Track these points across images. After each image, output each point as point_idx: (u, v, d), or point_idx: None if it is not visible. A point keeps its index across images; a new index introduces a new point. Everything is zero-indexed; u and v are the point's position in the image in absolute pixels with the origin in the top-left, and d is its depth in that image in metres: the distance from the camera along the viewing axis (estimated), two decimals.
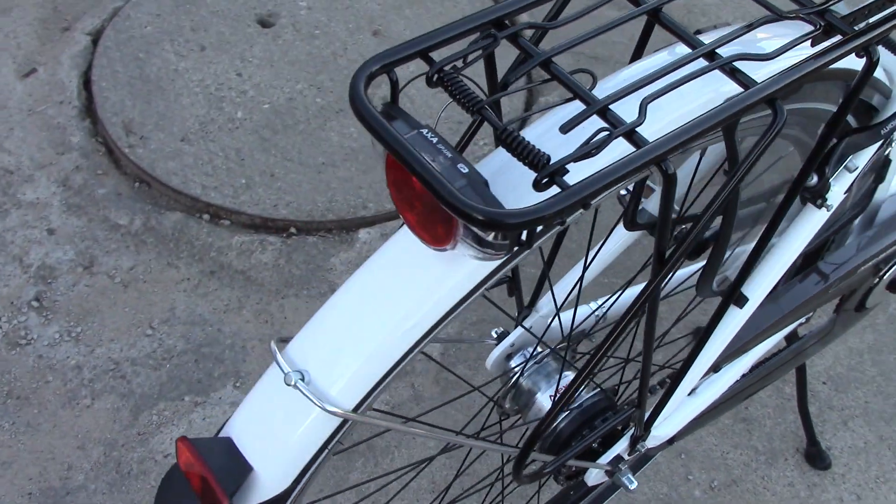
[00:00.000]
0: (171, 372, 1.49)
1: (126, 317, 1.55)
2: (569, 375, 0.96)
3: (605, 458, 0.94)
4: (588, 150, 0.53)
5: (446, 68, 0.57)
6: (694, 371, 0.89)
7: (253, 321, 1.57)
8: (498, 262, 0.65)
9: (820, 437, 1.49)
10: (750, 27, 0.64)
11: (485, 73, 0.65)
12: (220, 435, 0.70)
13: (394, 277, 0.67)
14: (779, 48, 0.62)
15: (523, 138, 0.54)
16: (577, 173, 0.54)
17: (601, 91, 0.58)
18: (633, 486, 0.95)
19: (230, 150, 1.80)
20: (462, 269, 0.66)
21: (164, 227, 1.67)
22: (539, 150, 0.53)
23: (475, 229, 0.56)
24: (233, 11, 2.06)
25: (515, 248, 0.59)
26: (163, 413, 1.43)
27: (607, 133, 0.54)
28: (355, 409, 0.66)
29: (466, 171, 0.55)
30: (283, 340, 0.70)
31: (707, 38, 0.63)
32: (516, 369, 0.98)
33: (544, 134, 0.66)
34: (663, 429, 0.96)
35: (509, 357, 0.99)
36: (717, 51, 0.61)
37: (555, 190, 0.53)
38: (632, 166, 0.54)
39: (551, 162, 0.53)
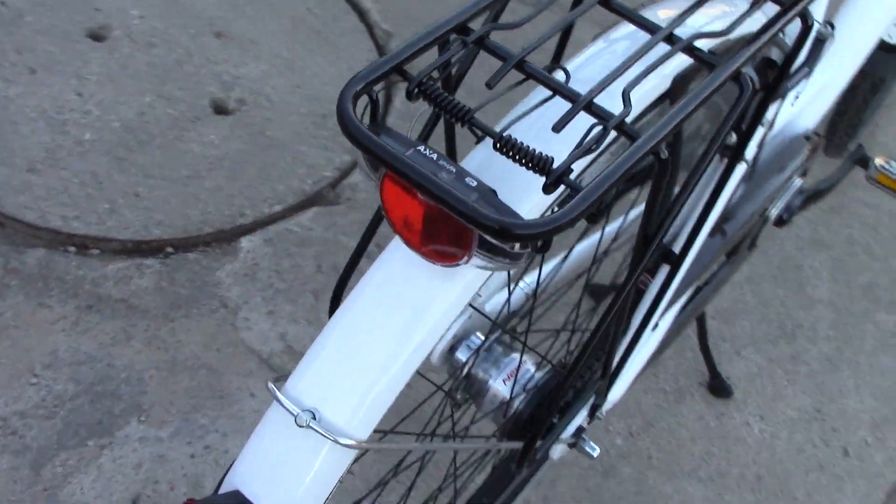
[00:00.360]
0: (66, 418, 1.38)
1: (3, 368, 1.43)
2: (516, 358, 0.96)
3: (568, 431, 0.95)
4: (588, 147, 0.53)
5: (424, 80, 0.56)
6: (642, 332, 0.91)
7: (144, 350, 1.48)
8: (502, 270, 0.65)
9: (718, 368, 1.56)
10: (698, 4, 0.65)
11: (453, 81, 0.64)
12: (224, 488, 0.65)
13: (387, 300, 0.65)
14: (731, 23, 0.63)
15: (522, 143, 0.53)
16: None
17: (577, 84, 0.58)
18: (596, 453, 0.96)
19: (85, 175, 1.68)
20: (459, 280, 0.64)
21: (27, 266, 1.55)
22: (541, 153, 0.52)
23: (495, 241, 0.54)
24: (59, 28, 1.93)
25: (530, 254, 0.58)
26: (67, 463, 1.34)
27: (602, 127, 0.54)
28: (370, 438, 0.64)
29: (475, 184, 0.54)
30: (279, 380, 0.66)
31: (654, 16, 0.64)
32: (469, 359, 0.96)
33: (529, 135, 0.65)
34: (615, 392, 0.98)
35: (452, 350, 0.98)
36: (674, 32, 0.62)
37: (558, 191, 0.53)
38: (635, 157, 0.54)
39: (555, 164, 0.52)
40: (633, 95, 0.58)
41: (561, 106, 0.60)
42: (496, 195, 0.54)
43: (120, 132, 1.77)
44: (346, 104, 0.53)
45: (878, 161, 1.42)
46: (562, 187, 0.54)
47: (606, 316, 0.73)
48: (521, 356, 0.95)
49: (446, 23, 0.59)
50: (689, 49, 0.62)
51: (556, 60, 0.73)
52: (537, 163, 0.53)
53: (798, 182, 1.29)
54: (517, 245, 0.55)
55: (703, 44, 0.64)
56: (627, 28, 0.76)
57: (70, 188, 1.66)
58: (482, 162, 0.68)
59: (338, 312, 0.66)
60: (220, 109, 1.86)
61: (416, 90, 0.55)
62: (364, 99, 0.55)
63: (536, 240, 0.52)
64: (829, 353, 1.65)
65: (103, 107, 1.80)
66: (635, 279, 0.70)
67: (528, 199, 0.65)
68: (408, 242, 0.60)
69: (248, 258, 1.63)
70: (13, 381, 1.42)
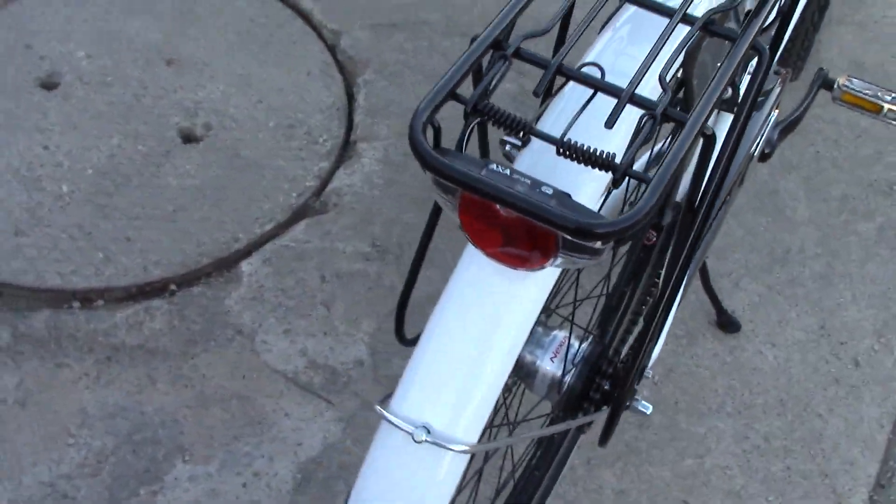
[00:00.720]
0: (112, 472, 1.39)
1: (38, 435, 1.43)
2: (557, 335, 1.00)
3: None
4: (645, 139, 0.57)
5: (477, 100, 0.59)
6: (679, 287, 0.95)
7: (171, 391, 1.49)
8: (565, 267, 0.68)
9: (723, 305, 1.62)
10: None
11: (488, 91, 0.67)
12: None
13: (472, 311, 0.68)
14: None
15: (585, 145, 0.56)
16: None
17: (612, 77, 0.61)
18: (649, 410, 1.01)
19: (72, 229, 1.67)
20: (533, 283, 0.68)
21: (35, 330, 1.55)
22: (603, 151, 0.56)
23: (580, 241, 0.57)
24: (8, 84, 1.89)
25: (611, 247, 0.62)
26: None
27: (652, 118, 0.57)
28: (479, 441, 0.68)
29: (551, 191, 0.57)
30: (383, 402, 0.69)
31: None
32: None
33: (580, 135, 0.68)
34: (657, 348, 1.03)
35: None
36: (688, 12, 0.65)
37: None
38: (689, 139, 0.57)
39: (618, 159, 0.56)
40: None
41: (601, 100, 0.64)
42: (570, 198, 0.58)
43: (95, 179, 1.75)
44: (419, 136, 0.56)
45: (841, 81, 1.47)
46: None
47: (638, 276, 0.77)
48: (570, 331, 0.99)
49: (482, 42, 0.62)
50: (706, 26, 0.66)
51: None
52: (602, 161, 0.56)
53: (775, 115, 1.35)
54: (599, 242, 0.59)
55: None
56: (631, 13, 0.79)
57: (60, 244, 1.65)
58: (530, 167, 0.72)
59: (428, 329, 0.70)
60: (188, 138, 1.86)
61: (473, 110, 0.59)
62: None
63: (619, 236, 0.56)
64: (821, 270, 1.72)
65: (73, 156, 1.78)
66: (690, 250, 0.74)
67: (590, 194, 0.69)
68: (490, 255, 0.63)
69: (252, 282, 1.64)
70: (50, 445, 1.42)
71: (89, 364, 1.52)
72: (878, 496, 1.47)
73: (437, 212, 0.79)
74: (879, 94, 1.36)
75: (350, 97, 1.98)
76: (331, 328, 1.58)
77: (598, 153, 0.56)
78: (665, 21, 0.67)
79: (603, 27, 0.83)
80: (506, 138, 0.81)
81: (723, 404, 1.52)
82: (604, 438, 0.88)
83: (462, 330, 0.69)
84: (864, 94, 1.35)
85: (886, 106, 1.34)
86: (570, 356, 1.01)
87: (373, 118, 1.93)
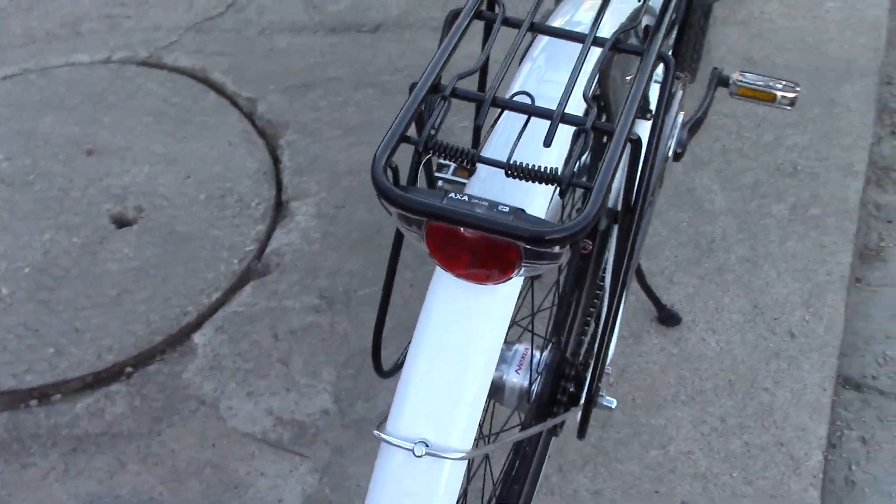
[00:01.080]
0: None
1: None
2: (517, 348, 1.05)
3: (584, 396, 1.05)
4: (581, 151, 0.63)
5: (427, 140, 0.65)
6: (624, 289, 1.02)
7: (144, 471, 1.50)
8: (528, 276, 0.74)
9: (662, 301, 1.70)
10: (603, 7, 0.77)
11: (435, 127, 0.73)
12: None
13: (449, 329, 0.74)
14: (634, 14, 0.75)
15: (530, 164, 0.63)
16: None
17: (541, 101, 0.68)
18: (614, 404, 1.07)
19: (18, 329, 1.67)
20: (500, 295, 0.74)
21: None
22: (547, 167, 0.62)
23: (542, 249, 0.63)
24: None
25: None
26: None
27: (584, 132, 0.64)
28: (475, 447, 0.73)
29: (507, 209, 0.63)
30: (380, 426, 0.74)
31: (566, 23, 0.75)
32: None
33: (519, 156, 0.74)
34: (612, 347, 1.09)
35: None
36: (597, 35, 0.73)
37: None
38: (619, 147, 0.64)
39: (560, 172, 0.62)
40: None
41: (533, 124, 0.70)
42: (525, 212, 0.64)
43: (34, 276, 1.76)
44: (381, 178, 0.62)
45: (735, 76, 1.58)
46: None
47: (581, 284, 0.83)
48: (532, 341, 1.04)
49: (421, 87, 0.68)
50: (615, 45, 0.74)
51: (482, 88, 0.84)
52: (547, 176, 0.63)
53: (681, 117, 1.44)
54: (556, 247, 0.65)
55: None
56: (544, 43, 0.87)
57: (9, 345, 1.65)
58: (481, 192, 0.77)
59: (411, 353, 0.75)
60: (121, 222, 1.88)
61: (423, 149, 0.65)
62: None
63: (574, 239, 0.62)
64: (745, 254, 1.82)
65: (8, 257, 1.79)
66: (631, 248, 0.81)
67: (538, 208, 0.75)
68: (459, 275, 0.68)
69: (208, 351, 1.66)
70: None
71: (55, 458, 1.51)
72: (831, 455, 1.56)
73: (398, 246, 0.84)
74: (771, 83, 1.46)
75: (275, 159, 2.03)
76: (292, 383, 1.61)
77: (543, 169, 0.63)
78: (576, 46, 0.74)
79: (522, 59, 0.90)
80: (440, 175, 0.87)
81: (677, 394, 1.60)
82: (581, 432, 0.93)
83: (442, 348, 0.74)
84: (758, 85, 1.45)
85: (779, 93, 1.45)
86: (533, 366, 1.07)
87: (300, 176, 1.98)
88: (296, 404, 1.58)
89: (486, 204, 0.64)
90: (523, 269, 0.67)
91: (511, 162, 0.64)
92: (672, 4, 0.89)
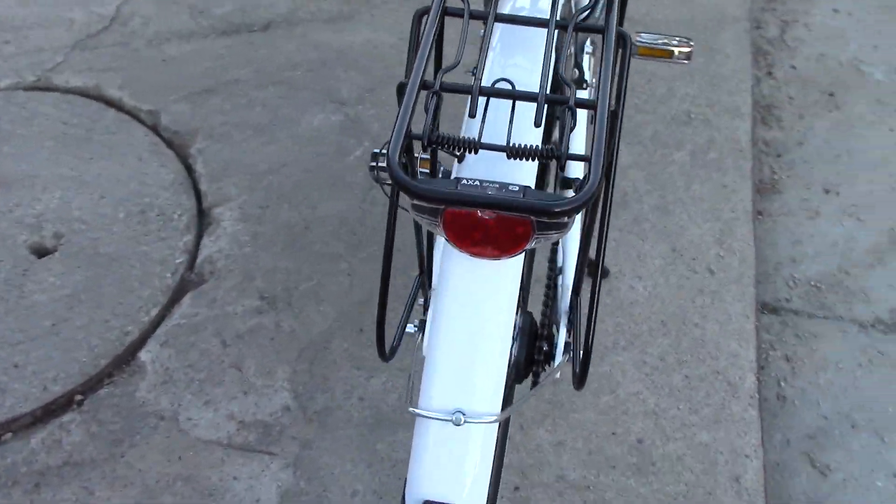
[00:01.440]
0: None
1: None
2: None
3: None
4: (573, 126, 0.69)
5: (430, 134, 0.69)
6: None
7: (114, 496, 1.49)
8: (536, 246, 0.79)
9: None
10: None
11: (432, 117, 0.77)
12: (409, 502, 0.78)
13: (466, 303, 0.79)
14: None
15: (529, 145, 0.68)
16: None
17: (522, 84, 0.74)
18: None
19: None
20: (510, 266, 0.79)
21: None
22: (546, 146, 0.68)
23: (555, 221, 0.68)
24: None
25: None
26: None
27: (569, 109, 0.70)
28: (503, 409, 0.79)
29: (517, 188, 0.68)
30: (412, 403, 0.78)
31: (514, 9, 0.81)
32: None
33: (514, 134, 0.78)
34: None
35: None
36: (557, 19, 0.79)
37: None
38: (604, 117, 0.70)
39: (557, 149, 0.68)
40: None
41: (502, 105, 0.76)
42: (532, 188, 0.69)
43: None
44: (399, 174, 0.66)
45: (633, 38, 1.67)
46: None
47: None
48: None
49: (413, 86, 0.72)
50: (578, 26, 0.80)
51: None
52: (547, 154, 0.68)
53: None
54: (566, 217, 0.70)
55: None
56: (500, 31, 0.91)
57: None
58: (476, 169, 0.82)
59: (432, 332, 0.80)
60: (41, 252, 1.84)
61: (428, 143, 0.69)
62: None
63: (582, 209, 0.67)
64: (656, 203, 1.93)
65: None
66: (607, 212, 0.87)
67: (531, 182, 0.81)
68: (474, 253, 0.73)
69: (157, 368, 1.65)
70: None
71: (19, 496, 1.49)
72: (762, 375, 1.69)
73: (391, 236, 0.88)
74: (667, 40, 1.56)
75: (189, 168, 2.02)
76: (248, 386, 1.62)
77: (542, 149, 0.68)
78: (530, 30, 0.79)
79: (481, 48, 0.95)
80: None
81: (617, 341, 1.69)
82: (581, 381, 0.99)
83: (462, 324, 0.79)
84: (657, 44, 1.54)
85: (676, 49, 1.54)
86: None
87: (218, 182, 1.98)
88: (256, 406, 1.60)
89: (497, 185, 0.68)
90: (535, 240, 0.72)
91: (511, 145, 0.69)
92: None
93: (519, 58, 0.89)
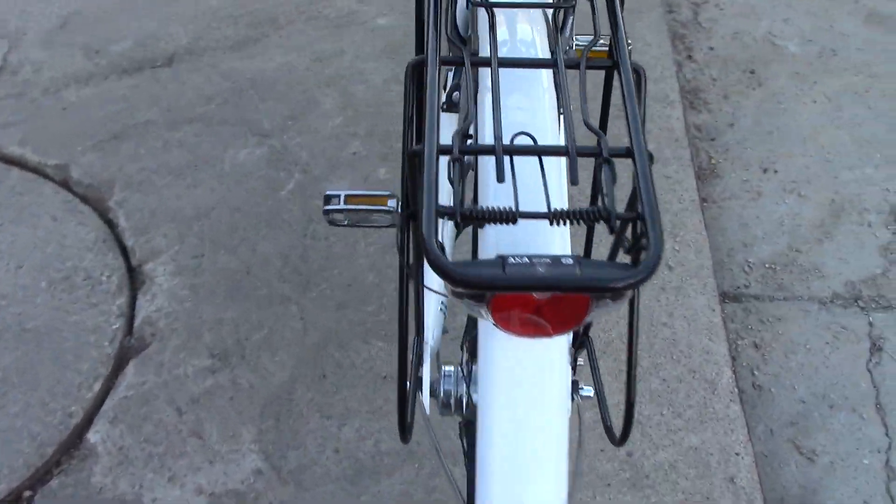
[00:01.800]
0: None
1: None
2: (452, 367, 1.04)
3: None
4: (614, 180, 0.61)
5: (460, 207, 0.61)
6: None
7: None
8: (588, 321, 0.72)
9: None
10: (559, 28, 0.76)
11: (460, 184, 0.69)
12: None
13: (520, 391, 0.72)
14: (596, 29, 0.75)
15: (575, 209, 0.59)
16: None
17: (537, 132, 0.66)
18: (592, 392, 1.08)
19: None
20: (559, 340, 0.72)
21: None
22: (594, 207, 0.60)
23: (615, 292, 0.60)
24: None
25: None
26: None
27: (606, 161, 0.62)
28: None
29: (571, 261, 0.59)
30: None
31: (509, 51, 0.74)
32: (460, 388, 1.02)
33: (529, 201, 0.71)
34: None
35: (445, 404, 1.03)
36: (559, 59, 0.71)
37: None
38: (646, 165, 0.62)
39: (608, 209, 0.60)
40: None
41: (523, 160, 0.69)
42: (584, 259, 0.61)
43: None
44: (441, 259, 0.57)
45: None
46: None
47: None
48: (463, 357, 1.03)
49: (430, 154, 0.63)
50: (589, 64, 0.73)
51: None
52: (597, 215, 0.60)
53: None
54: (629, 291, 0.63)
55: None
56: (506, 77, 0.83)
57: None
58: (517, 245, 0.74)
59: (484, 428, 0.73)
60: None
61: (462, 219, 0.61)
62: None
63: (648, 279, 0.60)
64: None
65: None
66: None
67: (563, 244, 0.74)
68: (534, 335, 0.65)
69: (110, 448, 1.53)
70: None
71: None
72: (737, 368, 1.67)
73: (404, 305, 0.80)
74: None
75: (110, 224, 1.88)
76: (213, 454, 1.52)
77: (590, 211, 0.60)
78: (525, 72, 0.72)
79: (473, 93, 0.86)
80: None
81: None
82: (624, 437, 0.92)
83: (521, 409, 0.73)
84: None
85: None
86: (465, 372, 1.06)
87: (144, 235, 1.85)
88: (224, 474, 1.49)
89: (548, 261, 0.60)
90: (591, 314, 0.65)
91: (553, 211, 0.61)
92: (620, 14, 0.90)
93: (521, 102, 0.82)
